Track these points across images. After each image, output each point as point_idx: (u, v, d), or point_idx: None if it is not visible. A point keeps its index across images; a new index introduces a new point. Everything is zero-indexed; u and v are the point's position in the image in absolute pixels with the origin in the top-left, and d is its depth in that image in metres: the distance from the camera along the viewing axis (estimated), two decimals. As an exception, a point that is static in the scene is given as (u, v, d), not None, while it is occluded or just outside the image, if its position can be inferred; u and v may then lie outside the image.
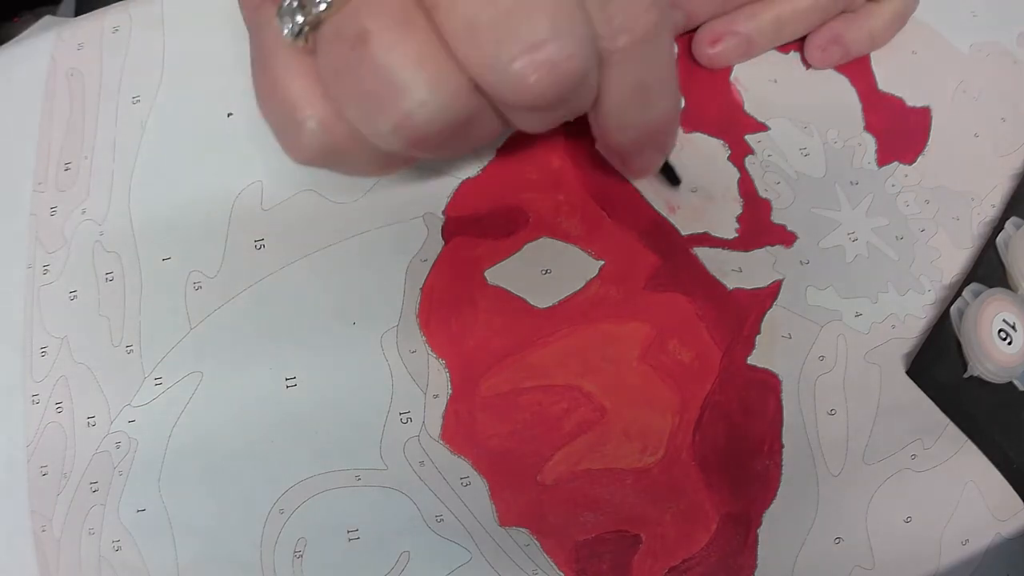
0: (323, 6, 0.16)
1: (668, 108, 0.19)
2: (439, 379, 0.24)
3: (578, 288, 0.24)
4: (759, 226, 0.26)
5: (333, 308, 0.24)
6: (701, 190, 0.26)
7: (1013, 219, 0.26)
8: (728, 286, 0.25)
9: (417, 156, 0.18)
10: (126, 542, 0.23)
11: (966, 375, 0.24)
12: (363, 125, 0.17)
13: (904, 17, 0.28)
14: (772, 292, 0.25)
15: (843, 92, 0.28)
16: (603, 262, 0.25)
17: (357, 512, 0.23)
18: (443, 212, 0.25)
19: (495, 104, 0.17)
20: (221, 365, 0.24)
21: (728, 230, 0.26)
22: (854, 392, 0.25)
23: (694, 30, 0.27)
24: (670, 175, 0.25)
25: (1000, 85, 0.29)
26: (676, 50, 0.28)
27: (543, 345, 0.24)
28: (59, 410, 0.24)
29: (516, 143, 0.25)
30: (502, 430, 0.23)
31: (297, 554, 0.23)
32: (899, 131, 0.28)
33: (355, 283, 0.24)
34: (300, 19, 0.16)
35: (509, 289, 0.24)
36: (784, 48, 0.28)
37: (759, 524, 0.23)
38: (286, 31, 0.16)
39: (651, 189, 0.26)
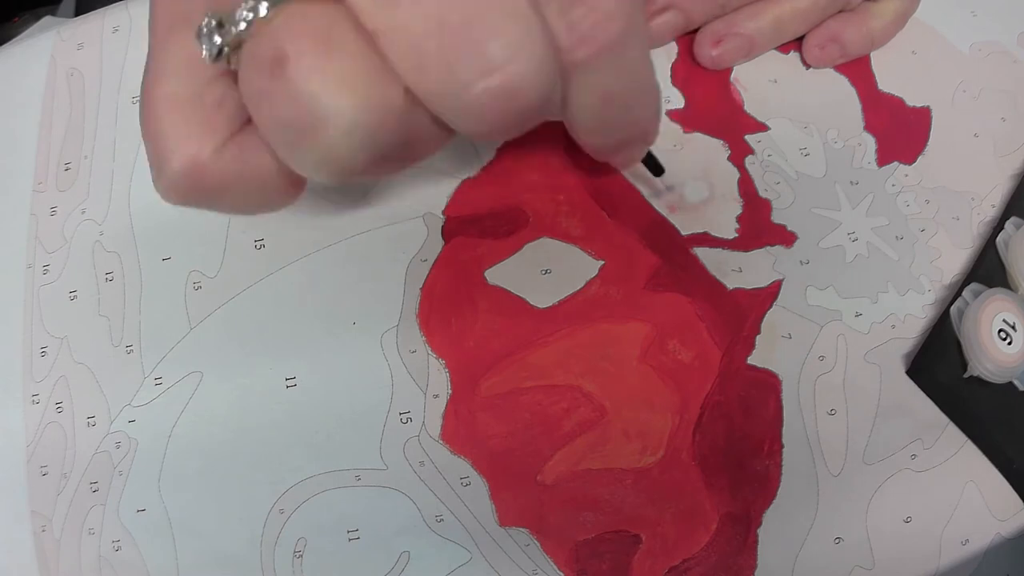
0: (242, 25, 0.15)
1: (642, 114, 0.19)
2: (439, 379, 0.24)
3: (578, 288, 0.24)
4: (759, 226, 0.26)
5: (333, 308, 0.24)
6: (701, 190, 0.26)
7: (1013, 219, 0.26)
8: (728, 286, 0.25)
9: (342, 183, 0.17)
10: (126, 542, 0.23)
11: (966, 375, 0.24)
12: (286, 156, 0.16)
13: (904, 17, 0.28)
14: (772, 292, 0.25)
15: (843, 92, 0.28)
16: (603, 262, 0.25)
17: (357, 512, 0.23)
18: (443, 212, 0.25)
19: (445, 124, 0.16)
20: (221, 365, 0.24)
21: (728, 230, 0.26)
22: (854, 392, 0.25)
23: (694, 31, 0.27)
24: (652, 164, 0.24)
25: (1000, 85, 0.29)
26: (676, 50, 0.28)
27: (543, 345, 0.24)
28: (59, 410, 0.24)
29: (516, 143, 0.25)
30: (502, 430, 0.23)
31: (297, 554, 0.23)
32: (899, 131, 0.28)
33: (355, 283, 0.24)
34: (218, 40, 0.15)
35: (509, 289, 0.24)
36: (784, 48, 0.28)
37: (759, 524, 0.23)
38: (205, 52, 0.15)
39: (652, 189, 0.26)
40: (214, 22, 0.15)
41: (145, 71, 0.17)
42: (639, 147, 0.22)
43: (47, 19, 0.32)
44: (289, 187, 0.18)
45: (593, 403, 0.23)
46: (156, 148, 0.16)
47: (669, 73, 0.28)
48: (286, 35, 0.14)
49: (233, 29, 0.15)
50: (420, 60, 0.14)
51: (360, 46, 0.14)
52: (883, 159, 0.27)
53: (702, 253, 0.25)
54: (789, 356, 0.24)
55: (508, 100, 0.14)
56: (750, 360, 0.24)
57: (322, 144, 0.15)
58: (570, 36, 0.15)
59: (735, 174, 0.26)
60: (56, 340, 0.25)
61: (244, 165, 0.17)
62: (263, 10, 0.14)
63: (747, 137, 0.27)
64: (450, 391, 0.23)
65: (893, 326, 0.25)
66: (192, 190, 0.16)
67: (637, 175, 0.26)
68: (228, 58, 0.15)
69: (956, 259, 0.26)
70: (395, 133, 0.15)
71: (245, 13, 0.14)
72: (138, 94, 0.27)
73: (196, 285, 0.25)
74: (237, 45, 0.15)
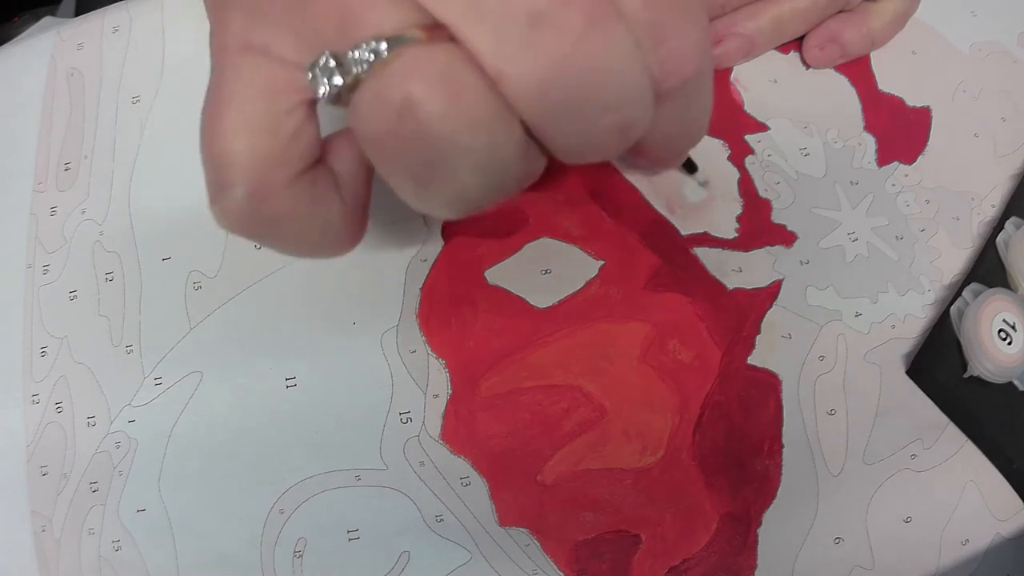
0: (364, 66, 0.14)
1: (704, 129, 0.19)
2: (439, 379, 0.24)
3: (578, 288, 0.24)
4: (759, 226, 0.26)
5: (333, 308, 0.24)
6: (701, 190, 0.26)
7: (1013, 219, 0.26)
8: (728, 286, 0.25)
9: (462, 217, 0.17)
10: (126, 542, 0.23)
11: (966, 375, 0.24)
12: (410, 196, 0.16)
13: (904, 17, 0.28)
14: (772, 292, 0.25)
15: (843, 92, 0.28)
16: (603, 262, 0.25)
17: (357, 512, 0.23)
18: (443, 212, 0.25)
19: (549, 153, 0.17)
20: (221, 365, 0.24)
21: (728, 230, 0.26)
22: (854, 392, 0.25)
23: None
24: (688, 164, 0.25)
25: (1000, 85, 0.29)
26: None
27: (543, 345, 0.24)
28: (59, 410, 0.24)
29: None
30: (502, 430, 0.23)
31: (297, 554, 0.23)
32: (899, 131, 0.28)
33: (355, 283, 0.24)
34: (339, 80, 0.15)
35: (509, 289, 0.24)
36: (784, 48, 0.28)
37: (759, 524, 0.23)
38: (322, 92, 0.15)
39: (651, 189, 0.26)
40: (332, 62, 0.15)
41: (210, 90, 0.16)
42: (685, 155, 0.23)
43: (47, 19, 0.32)
44: (350, 235, 0.18)
45: (593, 403, 0.23)
46: (221, 170, 0.16)
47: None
48: (412, 78, 0.14)
49: (355, 69, 0.15)
50: (543, 103, 0.14)
51: (482, 88, 0.14)
52: (883, 159, 0.27)
53: (702, 253, 0.25)
54: (789, 356, 0.24)
55: (625, 132, 0.16)
56: (750, 360, 0.24)
57: (453, 184, 0.15)
58: (661, 69, 0.16)
59: (735, 174, 0.26)
60: (56, 340, 0.25)
61: (311, 204, 0.17)
62: (384, 51, 0.14)
63: (747, 137, 0.27)
64: (450, 391, 0.23)
65: (893, 326, 0.25)
66: (252, 219, 0.16)
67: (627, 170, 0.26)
68: (343, 97, 0.15)
69: (956, 259, 0.26)
70: (516, 166, 0.16)
71: (366, 54, 0.14)
72: (138, 94, 0.27)
73: (196, 285, 0.25)
74: (353, 85, 0.15)
